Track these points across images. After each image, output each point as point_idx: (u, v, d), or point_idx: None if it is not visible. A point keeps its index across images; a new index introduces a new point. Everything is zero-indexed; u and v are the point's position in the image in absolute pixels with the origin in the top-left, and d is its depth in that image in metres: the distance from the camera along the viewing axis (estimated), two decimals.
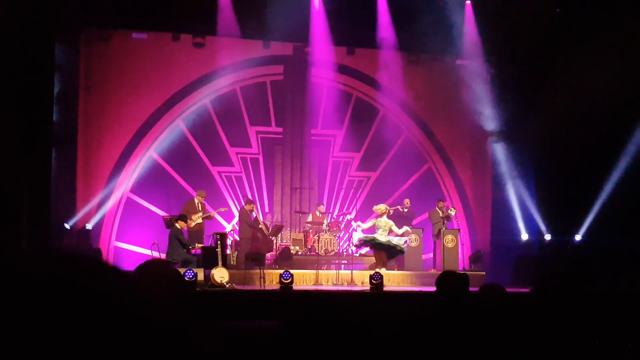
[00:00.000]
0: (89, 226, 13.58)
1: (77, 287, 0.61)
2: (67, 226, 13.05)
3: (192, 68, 14.61)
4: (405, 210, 14.14)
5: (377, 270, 11.66)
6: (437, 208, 14.01)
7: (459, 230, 14.20)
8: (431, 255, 14.18)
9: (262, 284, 11.26)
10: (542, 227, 14.79)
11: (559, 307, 2.78)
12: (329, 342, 1.89)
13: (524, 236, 15.03)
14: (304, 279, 12.11)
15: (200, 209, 13.09)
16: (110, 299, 0.62)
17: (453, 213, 14.12)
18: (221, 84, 14.94)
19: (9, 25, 10.05)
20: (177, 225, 11.82)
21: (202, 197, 13.21)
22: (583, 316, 2.77)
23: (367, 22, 14.36)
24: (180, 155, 14.51)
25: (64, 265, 0.64)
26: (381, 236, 12.26)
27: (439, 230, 13.66)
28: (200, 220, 12.91)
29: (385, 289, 10.99)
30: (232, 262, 12.68)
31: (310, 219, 14.13)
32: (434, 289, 3.71)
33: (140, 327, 0.61)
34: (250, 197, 14.54)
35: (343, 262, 13.40)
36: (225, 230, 13.79)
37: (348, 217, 14.96)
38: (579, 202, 14.03)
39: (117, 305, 0.62)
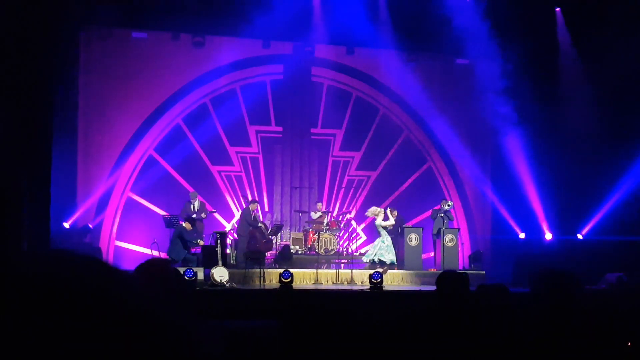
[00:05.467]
0: (89, 225, 13.60)
1: (77, 287, 0.62)
2: (66, 225, 13.05)
3: (192, 67, 14.61)
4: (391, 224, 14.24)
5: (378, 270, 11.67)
6: (441, 206, 13.94)
7: (459, 229, 14.20)
8: (431, 254, 14.18)
9: (262, 283, 11.27)
10: (543, 225, 14.79)
11: (556, 304, 2.79)
12: (328, 341, 1.89)
13: (524, 235, 15.03)
14: (303, 278, 12.11)
15: (194, 209, 13.09)
16: (110, 298, 0.62)
17: (449, 206, 13.98)
18: (221, 83, 14.94)
19: (8, 24, 10.04)
20: (183, 224, 11.86)
21: (194, 199, 13.24)
22: (581, 313, 2.78)
23: (367, 21, 14.35)
24: (180, 155, 14.51)
25: (64, 266, 0.64)
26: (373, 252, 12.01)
27: (439, 229, 13.64)
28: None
29: (385, 288, 11.00)
30: (231, 262, 12.68)
31: (316, 216, 14.08)
32: (434, 288, 3.71)
33: (139, 326, 0.62)
34: (251, 197, 14.54)
35: (343, 261, 13.41)
36: (225, 229, 13.81)
37: (348, 216, 14.97)
38: (583, 200, 14.03)
39: (117, 305, 0.62)
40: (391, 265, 11.93)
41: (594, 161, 13.82)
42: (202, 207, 13.30)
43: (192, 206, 13.16)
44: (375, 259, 11.70)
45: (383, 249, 11.77)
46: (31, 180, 10.50)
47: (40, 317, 0.58)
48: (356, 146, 15.74)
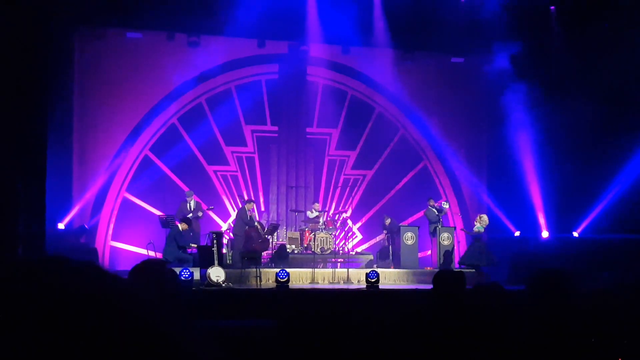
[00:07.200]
0: (85, 226, 13.58)
1: (71, 293, 0.61)
2: (61, 226, 13.02)
3: (187, 67, 14.57)
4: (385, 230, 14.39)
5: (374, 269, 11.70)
6: (429, 207, 13.99)
7: (455, 227, 14.22)
8: (427, 253, 14.21)
9: (258, 282, 11.27)
10: (539, 224, 14.81)
11: (552, 303, 2.79)
12: (325, 341, 1.89)
13: (519, 233, 15.04)
14: (300, 278, 12.12)
15: (190, 209, 13.09)
16: (104, 305, 0.62)
17: (447, 206, 14.08)
18: (216, 83, 14.93)
19: (2, 25, 10.00)
20: (179, 225, 11.84)
21: (190, 197, 13.23)
22: (576, 311, 2.79)
23: (362, 20, 14.35)
24: (176, 155, 14.49)
25: (59, 271, 0.64)
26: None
27: (435, 228, 13.67)
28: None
29: (381, 287, 11.01)
30: (228, 261, 12.68)
31: (313, 215, 14.07)
32: (430, 286, 3.72)
33: (133, 334, 0.61)
34: (247, 197, 14.53)
35: (339, 260, 13.42)
36: (221, 229, 13.79)
37: (344, 215, 14.99)
38: (578, 198, 14.05)
39: (110, 311, 0.62)
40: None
41: (590, 159, 13.83)
42: (198, 206, 13.33)
43: (188, 205, 13.17)
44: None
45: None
46: (26, 180, 10.45)
47: (34, 323, 0.58)
48: (352, 145, 15.75)
